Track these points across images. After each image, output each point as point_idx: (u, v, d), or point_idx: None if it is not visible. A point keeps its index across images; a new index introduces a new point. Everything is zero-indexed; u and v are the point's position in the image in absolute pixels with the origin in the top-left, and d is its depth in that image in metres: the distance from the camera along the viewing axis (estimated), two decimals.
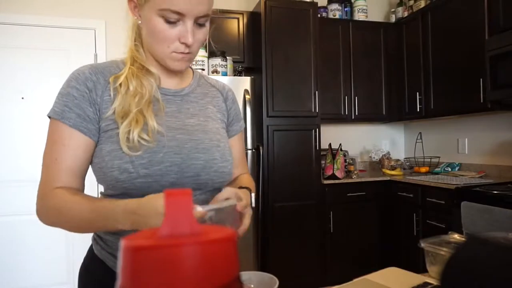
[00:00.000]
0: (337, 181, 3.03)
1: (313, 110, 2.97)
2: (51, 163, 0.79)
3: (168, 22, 0.76)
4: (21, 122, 2.70)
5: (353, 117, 3.41)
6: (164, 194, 0.35)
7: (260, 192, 2.83)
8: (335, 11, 3.46)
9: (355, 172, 3.37)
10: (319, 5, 3.22)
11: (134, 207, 0.67)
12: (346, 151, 3.46)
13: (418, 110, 3.22)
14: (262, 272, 0.77)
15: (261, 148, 2.86)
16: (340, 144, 3.23)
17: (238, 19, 3.12)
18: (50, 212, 0.78)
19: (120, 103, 0.79)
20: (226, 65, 2.79)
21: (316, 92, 2.99)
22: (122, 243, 0.33)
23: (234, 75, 2.93)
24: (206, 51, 2.80)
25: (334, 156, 3.11)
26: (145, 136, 0.77)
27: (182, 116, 0.87)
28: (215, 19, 3.09)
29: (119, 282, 0.33)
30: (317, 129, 2.98)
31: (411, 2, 3.44)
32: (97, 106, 0.80)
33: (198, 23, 0.79)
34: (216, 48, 2.77)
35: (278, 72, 2.89)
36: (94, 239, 0.92)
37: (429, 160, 3.40)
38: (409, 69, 3.36)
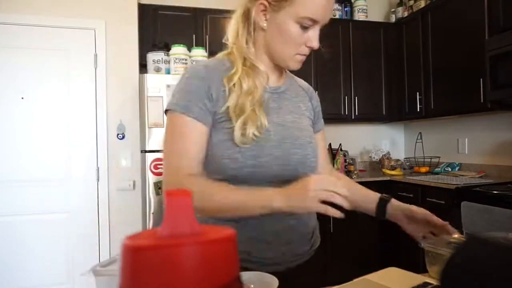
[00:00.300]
0: None
1: None
2: (180, 154, 0.84)
3: (303, 27, 0.84)
4: (21, 122, 2.70)
5: (353, 117, 3.41)
6: (165, 194, 0.35)
7: None
8: (335, 11, 3.46)
9: (355, 172, 3.37)
10: None
11: (289, 188, 0.77)
12: (346, 151, 3.46)
13: (418, 110, 3.22)
14: (262, 272, 0.77)
15: None
16: (340, 144, 3.23)
17: None
18: (196, 196, 0.79)
19: (235, 101, 0.85)
20: None
21: (316, 92, 2.98)
22: (122, 243, 0.33)
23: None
24: (206, 51, 2.81)
25: (334, 156, 3.11)
26: (257, 133, 0.85)
27: (282, 112, 0.94)
28: (214, 19, 3.10)
29: (118, 282, 0.33)
30: None
31: (411, 2, 3.44)
32: (213, 101, 0.86)
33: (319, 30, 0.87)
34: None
35: None
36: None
37: (429, 160, 3.40)
38: (409, 69, 3.36)
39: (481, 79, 2.54)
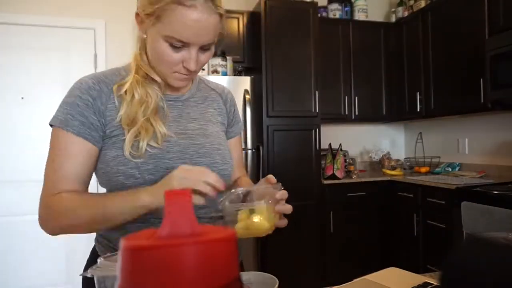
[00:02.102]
0: (337, 181, 3.03)
1: (313, 110, 2.97)
2: (55, 171, 0.79)
3: (173, 46, 0.77)
4: (21, 122, 2.70)
5: (353, 117, 3.41)
6: (164, 194, 0.35)
7: None
8: (335, 11, 3.46)
9: (355, 172, 3.37)
10: (319, 5, 3.21)
11: (158, 182, 0.74)
12: (346, 151, 3.46)
13: (418, 110, 3.22)
14: (262, 272, 0.77)
15: (261, 148, 2.86)
16: (340, 144, 3.23)
17: (238, 19, 3.12)
18: (60, 217, 0.79)
19: (126, 110, 0.80)
20: (226, 65, 2.79)
21: (316, 92, 2.98)
22: (122, 243, 0.33)
23: (234, 75, 2.93)
24: None
25: (334, 156, 3.11)
26: (153, 144, 0.80)
27: (184, 120, 0.89)
28: None
29: (118, 282, 0.33)
30: (317, 129, 2.98)
31: (411, 2, 3.44)
32: (101, 114, 0.81)
33: (203, 49, 0.80)
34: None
35: (278, 72, 2.89)
36: (96, 240, 0.93)
37: (429, 160, 3.40)
38: (409, 69, 3.36)
39: (481, 79, 2.54)
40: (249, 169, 2.80)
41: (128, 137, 0.78)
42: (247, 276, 0.75)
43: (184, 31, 0.75)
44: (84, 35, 2.83)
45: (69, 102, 0.80)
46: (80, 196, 0.78)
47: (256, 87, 2.88)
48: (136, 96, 0.81)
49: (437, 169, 3.26)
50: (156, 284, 0.30)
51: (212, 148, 0.89)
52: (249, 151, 2.76)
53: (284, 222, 0.85)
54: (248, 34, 3.12)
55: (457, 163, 3.19)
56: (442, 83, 2.99)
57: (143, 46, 0.86)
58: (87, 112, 0.79)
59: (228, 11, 3.29)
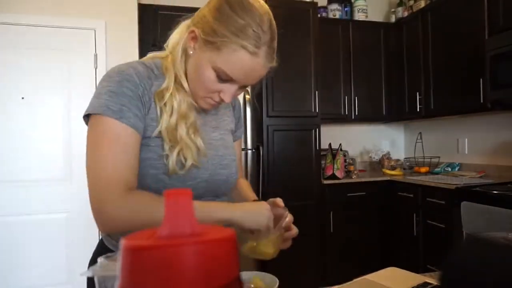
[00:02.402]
0: (337, 181, 3.03)
1: (313, 110, 2.97)
2: (117, 162, 0.76)
3: (219, 78, 0.77)
4: (21, 122, 2.70)
5: (353, 117, 3.41)
6: (164, 194, 0.35)
7: (260, 192, 2.83)
8: (335, 11, 3.46)
9: (355, 172, 3.37)
10: (319, 5, 3.21)
11: (245, 205, 0.82)
12: (346, 151, 3.46)
13: (418, 110, 3.22)
14: (262, 272, 0.77)
15: (261, 148, 2.86)
16: (340, 144, 3.23)
17: None
18: (139, 214, 0.74)
19: (168, 123, 0.79)
20: None
21: (316, 92, 2.98)
22: (122, 243, 0.33)
23: None
24: None
25: (334, 156, 3.11)
26: (195, 163, 0.81)
27: (207, 129, 0.89)
28: None
29: (118, 282, 0.33)
30: (317, 129, 2.98)
31: (411, 2, 3.44)
32: (146, 110, 0.80)
33: (243, 87, 0.83)
34: None
35: (278, 72, 2.87)
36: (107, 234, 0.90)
37: (429, 160, 3.40)
38: (409, 69, 3.36)
39: (481, 79, 2.54)
40: (249, 169, 2.80)
41: (174, 155, 0.78)
42: (247, 276, 0.75)
43: (238, 72, 0.76)
44: (84, 35, 2.83)
45: (120, 92, 0.77)
46: (156, 198, 0.74)
47: (256, 87, 2.88)
48: (176, 106, 0.80)
49: (437, 169, 3.26)
50: (156, 284, 0.30)
51: (230, 159, 0.92)
52: (249, 151, 2.76)
53: (288, 244, 0.91)
54: None
55: (457, 163, 3.19)
56: (442, 83, 2.99)
57: (184, 55, 0.83)
58: (138, 105, 0.78)
59: None
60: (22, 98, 2.71)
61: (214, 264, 0.32)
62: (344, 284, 0.83)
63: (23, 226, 2.66)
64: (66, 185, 2.77)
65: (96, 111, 0.78)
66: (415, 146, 3.58)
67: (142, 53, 2.88)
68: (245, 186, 1.08)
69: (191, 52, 0.80)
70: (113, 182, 0.75)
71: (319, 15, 3.24)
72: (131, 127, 0.76)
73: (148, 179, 0.78)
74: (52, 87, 2.75)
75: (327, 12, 3.48)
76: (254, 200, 0.96)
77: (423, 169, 3.32)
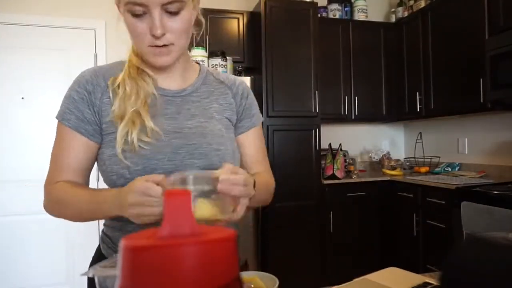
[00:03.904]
0: (337, 181, 3.03)
1: (313, 110, 2.97)
2: (54, 162, 0.83)
3: (135, 15, 0.75)
4: (21, 122, 2.70)
5: (353, 117, 3.41)
6: (164, 194, 0.35)
7: None
8: (335, 11, 3.46)
9: (355, 172, 3.37)
10: (319, 5, 3.21)
11: (122, 188, 0.71)
12: (346, 151, 3.46)
13: (418, 110, 3.22)
14: (262, 272, 0.77)
15: None
16: (340, 144, 3.23)
17: (238, 19, 3.12)
18: (53, 205, 0.82)
19: (118, 105, 0.79)
20: (226, 65, 2.79)
21: (316, 92, 2.98)
22: (122, 243, 0.33)
23: (234, 75, 2.93)
24: (206, 51, 2.80)
25: (334, 156, 3.11)
26: (144, 138, 0.78)
27: (181, 117, 0.85)
28: (214, 19, 3.10)
29: (118, 282, 0.33)
30: (317, 129, 2.98)
31: (411, 2, 3.44)
32: (96, 109, 0.81)
33: (169, 11, 0.75)
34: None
35: (278, 72, 2.89)
36: (101, 238, 0.91)
37: (429, 160, 3.40)
38: (409, 69, 3.36)
39: (481, 79, 2.54)
40: None
41: (119, 132, 0.77)
42: (247, 276, 0.75)
43: None
44: (85, 35, 2.83)
45: (67, 95, 0.82)
46: (71, 188, 0.79)
47: (256, 87, 2.88)
48: (127, 89, 0.80)
49: (437, 169, 3.26)
50: (156, 284, 0.30)
51: (209, 148, 0.84)
52: None
53: (240, 211, 0.71)
54: (248, 34, 3.12)
55: (457, 163, 3.19)
56: (442, 83, 2.99)
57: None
58: (82, 106, 0.81)
59: (228, 11, 3.29)
60: (22, 98, 2.71)
61: (214, 264, 0.32)
62: (344, 284, 0.83)
63: (23, 226, 2.66)
64: None
65: (58, 117, 0.83)
66: (415, 146, 3.58)
67: None
68: (260, 174, 0.94)
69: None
70: (50, 180, 0.82)
71: (319, 15, 3.24)
72: (72, 128, 0.80)
73: (113, 176, 0.79)
74: (52, 87, 2.75)
75: (327, 12, 3.49)
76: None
77: (423, 169, 3.32)
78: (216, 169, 0.73)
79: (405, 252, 2.98)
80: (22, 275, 2.67)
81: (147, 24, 0.75)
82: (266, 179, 0.95)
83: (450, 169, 3.17)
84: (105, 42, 2.86)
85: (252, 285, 0.73)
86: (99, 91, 0.82)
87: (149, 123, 0.79)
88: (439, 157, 3.37)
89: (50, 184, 0.82)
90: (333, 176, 3.06)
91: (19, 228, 2.67)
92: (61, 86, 2.77)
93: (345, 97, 3.37)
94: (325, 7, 3.49)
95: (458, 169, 3.14)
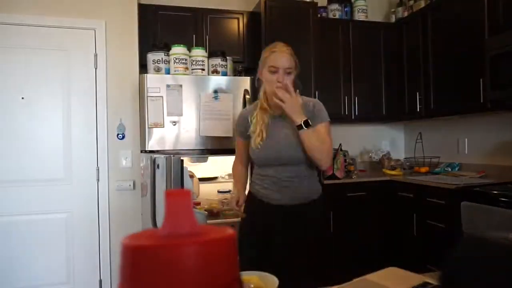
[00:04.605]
0: (337, 181, 3.03)
1: None
2: (236, 153, 1.86)
3: (271, 72, 1.57)
4: (21, 122, 2.70)
5: (353, 117, 3.41)
6: (165, 194, 0.35)
7: None
8: (335, 11, 3.46)
9: (355, 172, 3.37)
10: (319, 5, 3.21)
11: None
12: (346, 151, 3.45)
13: (418, 110, 3.22)
14: (262, 272, 0.77)
15: None
16: (340, 144, 3.23)
17: (238, 19, 3.12)
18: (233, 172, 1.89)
19: (253, 128, 1.64)
20: (226, 65, 2.78)
21: (316, 92, 2.98)
22: (122, 242, 0.33)
23: (234, 75, 2.92)
24: (206, 51, 2.80)
25: (334, 156, 3.10)
26: (260, 142, 1.61)
27: (277, 129, 1.63)
28: (214, 19, 3.10)
29: (119, 282, 0.33)
30: None
31: (411, 2, 3.44)
32: (247, 128, 1.69)
33: (286, 72, 1.56)
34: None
35: None
36: (251, 181, 1.76)
37: (429, 160, 3.40)
38: (409, 69, 3.36)
39: (481, 79, 2.53)
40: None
41: (253, 138, 1.63)
42: (247, 276, 0.75)
43: (273, 62, 1.56)
44: (84, 35, 2.83)
45: (237, 123, 1.82)
46: (238, 170, 1.84)
47: (256, 87, 2.88)
48: (257, 119, 1.64)
49: (437, 169, 3.26)
50: (156, 283, 0.30)
51: (288, 141, 1.60)
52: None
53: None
54: (248, 34, 3.12)
55: (457, 163, 3.19)
56: (442, 83, 2.99)
57: (262, 89, 1.67)
58: (243, 127, 1.72)
59: (228, 11, 3.30)
60: (22, 98, 2.71)
61: (214, 264, 0.32)
62: (344, 284, 0.83)
63: (23, 226, 2.66)
64: (66, 185, 2.77)
65: (235, 135, 1.86)
66: (415, 146, 3.58)
67: (142, 53, 2.88)
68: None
69: (261, 78, 1.66)
70: (236, 156, 1.87)
71: (319, 15, 3.24)
72: (239, 137, 1.78)
73: (253, 155, 1.67)
74: (52, 87, 2.75)
75: (327, 12, 3.48)
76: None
77: (423, 169, 3.32)
78: (293, 146, 1.62)
79: (405, 252, 2.98)
80: (22, 275, 2.67)
81: (276, 76, 1.55)
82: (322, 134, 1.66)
83: (450, 169, 3.17)
84: (105, 42, 2.86)
85: (252, 285, 0.73)
86: (248, 120, 1.69)
87: (264, 135, 1.61)
88: (439, 157, 3.37)
89: (235, 161, 1.87)
90: (333, 176, 3.06)
91: (19, 228, 2.67)
92: (60, 86, 2.77)
93: (345, 97, 3.37)
94: (325, 7, 3.49)
95: (458, 169, 3.14)
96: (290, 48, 1.59)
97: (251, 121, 1.64)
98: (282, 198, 1.59)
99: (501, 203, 2.05)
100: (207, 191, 3.01)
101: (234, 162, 1.84)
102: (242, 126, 1.69)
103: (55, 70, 2.77)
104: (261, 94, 1.66)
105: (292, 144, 1.56)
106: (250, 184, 1.74)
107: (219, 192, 3.11)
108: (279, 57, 1.54)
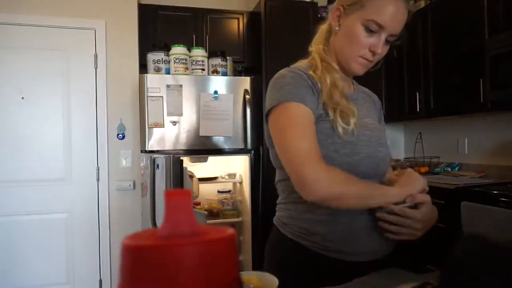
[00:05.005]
0: None
1: None
2: (308, 137, 0.86)
3: (368, 30, 0.89)
4: (21, 122, 2.70)
5: None
6: (164, 194, 0.35)
7: (260, 192, 2.83)
8: None
9: None
10: (319, 5, 3.21)
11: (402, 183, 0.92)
12: None
13: (418, 110, 3.22)
14: (262, 272, 0.76)
15: (261, 148, 2.86)
16: None
17: (238, 19, 3.12)
18: (339, 182, 0.84)
19: (326, 94, 0.90)
20: (226, 65, 2.79)
21: None
22: (122, 242, 0.33)
23: (234, 75, 2.93)
24: (206, 51, 2.81)
25: None
26: (355, 122, 0.90)
27: (361, 115, 0.96)
28: (214, 19, 3.10)
29: (118, 282, 0.33)
30: None
31: (411, 2, 3.44)
32: (315, 97, 0.90)
33: (387, 40, 0.91)
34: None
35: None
36: (283, 224, 0.99)
37: (429, 160, 3.40)
38: (409, 69, 3.36)
39: (481, 79, 2.53)
40: (248, 169, 2.80)
41: (338, 117, 0.88)
42: (247, 276, 0.75)
43: (384, 16, 0.87)
44: (84, 35, 2.83)
45: (298, 84, 0.89)
46: (348, 174, 0.85)
47: (256, 87, 2.88)
48: (328, 80, 0.92)
49: (437, 169, 3.25)
50: (156, 283, 0.30)
51: (385, 140, 1.01)
52: (249, 151, 2.75)
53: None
54: (248, 34, 3.12)
55: (457, 163, 3.19)
56: (442, 83, 2.98)
57: (327, 43, 0.98)
58: (312, 92, 0.90)
59: (228, 11, 3.29)
60: (22, 98, 2.71)
61: (214, 264, 0.32)
62: (344, 284, 0.83)
63: (23, 226, 2.66)
64: (66, 185, 2.77)
65: (283, 100, 0.87)
66: (415, 146, 3.58)
67: (142, 53, 2.88)
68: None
69: (337, 28, 0.94)
70: (311, 152, 0.84)
71: (319, 15, 3.23)
72: (311, 109, 0.88)
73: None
74: (52, 87, 2.75)
75: (327, 12, 3.48)
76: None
77: (423, 169, 3.32)
78: (389, 157, 1.02)
79: (405, 252, 2.97)
80: (22, 275, 2.67)
81: (372, 41, 0.90)
82: None
83: (450, 169, 3.17)
84: (105, 42, 2.86)
85: (252, 285, 0.72)
86: (312, 84, 0.91)
87: (355, 110, 0.91)
88: (439, 157, 3.37)
89: (322, 161, 0.84)
90: None
91: (19, 228, 2.67)
92: (60, 86, 2.77)
93: None
94: (325, 7, 3.48)
95: (458, 169, 3.14)
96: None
97: (317, 82, 0.91)
98: (377, 247, 0.96)
99: (501, 203, 2.05)
100: (207, 191, 3.01)
101: (311, 161, 0.83)
102: (312, 91, 0.90)
103: (55, 70, 2.77)
104: (318, 47, 0.99)
105: (386, 141, 1.02)
106: (283, 225, 0.98)
107: (219, 192, 3.12)
108: (395, 13, 0.87)
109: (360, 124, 0.93)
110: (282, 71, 0.95)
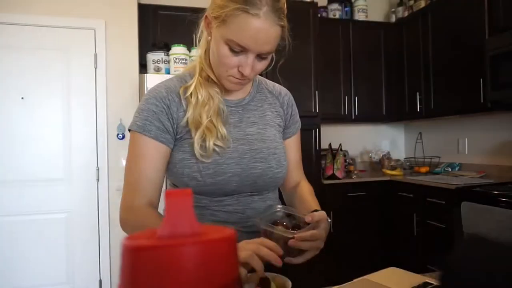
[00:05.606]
0: (337, 181, 3.03)
1: (313, 110, 2.97)
2: (136, 175, 0.85)
3: (232, 50, 0.80)
4: (21, 122, 2.70)
5: (353, 117, 3.41)
6: (165, 194, 0.35)
7: None
8: (335, 11, 3.46)
9: (355, 172, 3.37)
10: (319, 5, 3.21)
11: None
12: (346, 151, 3.45)
13: (418, 110, 3.22)
14: (275, 273, 0.76)
15: None
16: (340, 144, 3.23)
17: None
18: (133, 227, 0.83)
19: (192, 113, 0.86)
20: None
21: (316, 92, 2.98)
22: (122, 243, 0.33)
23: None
24: None
25: (334, 156, 3.10)
26: (219, 143, 0.85)
27: (243, 125, 0.93)
28: None
29: (119, 282, 0.33)
30: (317, 129, 2.98)
31: (411, 2, 3.44)
32: (174, 120, 0.87)
33: (260, 57, 0.83)
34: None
35: (278, 72, 2.88)
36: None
37: (429, 160, 3.40)
38: (409, 69, 3.36)
39: (481, 79, 2.53)
40: None
41: (196, 137, 0.84)
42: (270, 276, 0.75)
43: (245, 37, 0.77)
44: (84, 35, 2.83)
45: (146, 109, 0.87)
46: (156, 218, 0.80)
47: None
48: (200, 97, 0.87)
49: (437, 169, 3.25)
50: (156, 284, 0.30)
51: (268, 152, 0.92)
52: None
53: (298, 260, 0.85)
54: None
55: (457, 163, 3.19)
56: (442, 83, 2.99)
57: (208, 49, 0.89)
58: (162, 118, 0.86)
59: None
60: (22, 98, 2.71)
61: (214, 264, 0.32)
62: (344, 284, 0.83)
63: (23, 226, 2.66)
64: (66, 185, 2.77)
65: (133, 128, 0.87)
66: (415, 146, 3.58)
67: (142, 53, 2.88)
68: (306, 192, 1.05)
69: (209, 38, 0.85)
70: (131, 194, 0.85)
71: (319, 15, 3.23)
72: (153, 138, 0.85)
73: (184, 178, 0.86)
74: (52, 87, 2.75)
75: (327, 12, 3.48)
76: (315, 210, 0.92)
77: (423, 169, 3.32)
78: (273, 171, 0.91)
79: (405, 252, 2.98)
80: (22, 275, 2.67)
81: (239, 60, 0.81)
82: (314, 197, 1.06)
83: (450, 169, 3.17)
84: (105, 42, 2.85)
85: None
86: (174, 105, 0.87)
87: (223, 131, 0.86)
88: (439, 157, 3.37)
89: (132, 201, 0.84)
90: (333, 176, 3.06)
91: (19, 228, 2.66)
92: (60, 86, 2.77)
93: (345, 97, 3.37)
94: (325, 7, 3.49)
95: (458, 169, 3.14)
96: (282, 8, 0.81)
97: (185, 101, 0.88)
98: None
99: (501, 203, 2.05)
100: None
101: (129, 208, 0.87)
102: (163, 116, 0.87)
103: (55, 70, 2.76)
104: (201, 54, 0.91)
105: (272, 152, 0.94)
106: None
107: None
108: (257, 33, 0.77)
109: (236, 137, 0.89)
110: (152, 90, 0.90)
